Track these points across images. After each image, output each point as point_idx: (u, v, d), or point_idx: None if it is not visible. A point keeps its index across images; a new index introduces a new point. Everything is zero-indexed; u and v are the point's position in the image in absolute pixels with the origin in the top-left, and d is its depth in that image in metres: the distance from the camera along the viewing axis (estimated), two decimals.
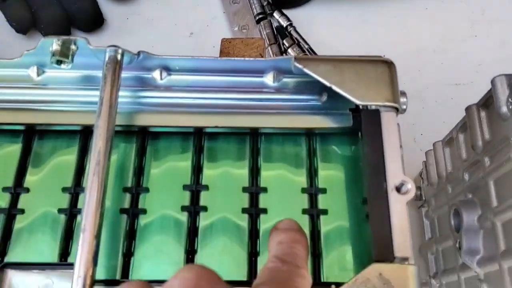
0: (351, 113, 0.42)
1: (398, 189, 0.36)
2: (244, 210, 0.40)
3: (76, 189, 0.41)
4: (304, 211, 0.41)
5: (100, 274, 0.37)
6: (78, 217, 0.40)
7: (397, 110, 0.39)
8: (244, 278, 0.38)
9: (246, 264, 0.39)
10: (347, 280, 0.33)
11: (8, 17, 0.74)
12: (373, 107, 0.39)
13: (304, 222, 0.40)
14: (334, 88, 0.39)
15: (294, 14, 0.77)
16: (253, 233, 0.40)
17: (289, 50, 0.73)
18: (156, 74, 0.43)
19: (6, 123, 0.43)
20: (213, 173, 0.42)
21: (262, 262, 0.39)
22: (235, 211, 0.41)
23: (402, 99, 0.40)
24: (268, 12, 0.76)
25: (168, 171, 0.43)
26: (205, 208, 0.41)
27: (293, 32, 0.75)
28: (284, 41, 0.74)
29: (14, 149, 0.43)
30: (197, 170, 0.42)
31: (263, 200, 0.41)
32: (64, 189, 0.41)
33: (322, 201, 0.41)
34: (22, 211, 0.41)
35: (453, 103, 0.70)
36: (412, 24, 0.78)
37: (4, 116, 0.43)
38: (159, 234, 0.40)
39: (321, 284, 0.38)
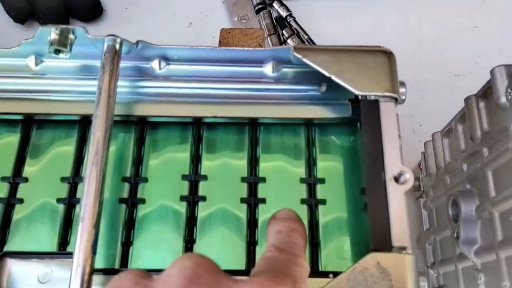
0: (350, 103, 0.42)
1: (396, 179, 0.36)
2: (242, 200, 0.41)
3: (75, 179, 0.42)
4: (303, 201, 0.41)
5: (99, 263, 0.37)
6: (77, 207, 0.40)
7: (396, 100, 0.39)
8: (243, 267, 0.38)
9: (244, 253, 0.39)
10: (345, 269, 0.33)
11: (6, 7, 0.73)
12: (372, 97, 0.39)
13: (303, 212, 0.40)
14: (333, 78, 0.39)
15: (294, 4, 0.77)
16: (252, 222, 0.40)
17: (289, 41, 0.73)
18: (154, 64, 0.43)
19: (4, 112, 0.43)
20: (212, 164, 0.42)
21: (260, 251, 0.39)
22: (233, 201, 0.41)
23: (401, 90, 0.40)
24: (268, 2, 0.76)
25: (167, 161, 0.43)
26: (203, 198, 0.41)
27: (292, 23, 0.75)
28: (284, 31, 0.74)
29: (13, 139, 0.43)
30: (196, 160, 0.42)
31: (262, 190, 0.41)
32: (63, 179, 0.42)
33: (321, 191, 0.41)
34: (21, 201, 0.41)
35: (452, 94, 0.70)
36: (411, 15, 0.78)
37: (2, 105, 0.43)
38: (158, 223, 0.40)
39: (319, 273, 0.38)
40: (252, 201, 0.41)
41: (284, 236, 0.31)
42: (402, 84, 0.40)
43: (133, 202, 0.41)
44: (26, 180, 0.42)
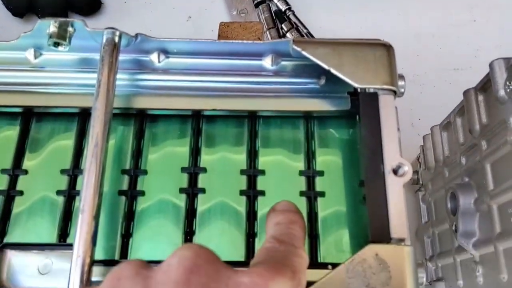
0: (349, 96, 0.42)
1: (395, 172, 0.36)
2: (242, 192, 0.41)
3: (74, 171, 0.42)
4: (302, 193, 0.41)
5: (99, 255, 0.37)
6: (77, 199, 0.41)
7: (395, 93, 0.39)
8: (242, 259, 0.38)
9: (243, 245, 0.39)
10: (343, 260, 0.33)
11: (4, 0, 0.73)
12: (371, 90, 0.39)
13: (302, 204, 0.40)
14: (333, 71, 0.39)
15: None
16: (251, 214, 0.40)
17: (288, 35, 0.73)
18: (154, 57, 0.43)
19: (4, 105, 0.43)
20: (211, 158, 0.43)
21: (259, 243, 0.39)
22: (233, 194, 0.41)
23: (400, 82, 0.40)
24: None
25: (166, 154, 0.43)
26: (203, 190, 0.41)
27: (291, 17, 0.74)
28: (283, 25, 0.74)
29: (12, 131, 0.43)
30: (195, 152, 0.43)
31: (261, 183, 0.41)
32: (63, 171, 0.42)
33: (320, 184, 0.41)
34: (21, 193, 0.41)
35: (452, 88, 0.70)
36: (411, 9, 0.78)
37: (2, 98, 0.43)
38: (158, 216, 0.40)
39: (318, 264, 0.38)
40: (252, 194, 0.41)
41: (283, 228, 0.31)
42: (401, 77, 0.40)
43: (132, 194, 0.41)
44: (26, 172, 0.42)
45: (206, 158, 0.43)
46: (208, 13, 0.78)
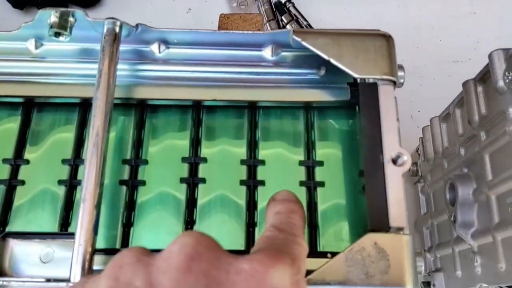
0: (348, 87, 0.43)
1: (394, 161, 0.36)
2: (242, 182, 0.41)
3: (75, 161, 0.42)
4: (302, 183, 0.41)
5: (100, 244, 0.38)
6: (78, 189, 0.41)
7: (394, 83, 0.39)
8: (242, 248, 0.39)
9: (243, 235, 0.39)
10: (343, 249, 0.33)
11: None
12: (371, 81, 0.39)
13: (301, 194, 0.40)
14: (332, 61, 0.39)
15: None
16: (251, 204, 0.40)
17: (288, 27, 0.73)
18: (154, 47, 0.43)
19: (5, 95, 0.43)
20: (211, 149, 0.43)
21: (259, 233, 0.39)
22: (233, 184, 0.41)
23: (400, 73, 0.40)
24: None
25: (167, 144, 0.43)
26: (203, 180, 0.41)
27: (291, 9, 0.74)
28: (283, 17, 0.74)
29: (14, 122, 0.44)
30: (195, 143, 0.43)
31: (261, 173, 0.42)
32: (64, 161, 0.42)
33: (319, 174, 0.41)
34: (22, 183, 0.41)
35: (451, 80, 0.70)
36: (411, 1, 0.78)
37: (3, 88, 0.43)
38: (158, 205, 0.40)
39: (318, 253, 0.38)
40: (252, 184, 0.41)
41: (283, 217, 0.31)
42: (401, 67, 0.40)
43: (133, 184, 0.41)
44: (27, 162, 0.42)
45: (207, 149, 0.43)
46: (208, 5, 0.78)
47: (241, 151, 0.43)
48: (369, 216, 0.35)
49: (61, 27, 0.40)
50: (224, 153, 0.43)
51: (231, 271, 0.25)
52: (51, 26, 0.40)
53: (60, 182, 0.41)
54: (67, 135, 0.43)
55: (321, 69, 0.44)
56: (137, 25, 0.41)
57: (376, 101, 0.38)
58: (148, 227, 0.40)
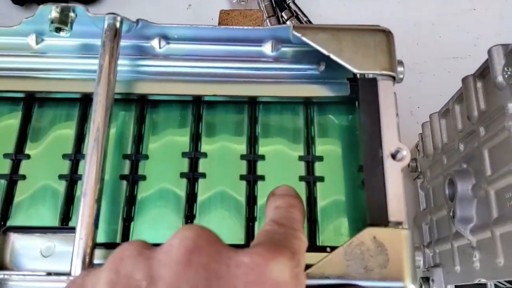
0: (348, 82, 0.43)
1: (393, 156, 0.36)
2: (242, 177, 0.41)
3: (76, 156, 0.42)
4: (301, 178, 0.41)
5: (101, 238, 0.38)
6: (79, 183, 0.41)
7: (394, 78, 0.40)
8: (242, 242, 0.39)
9: (243, 230, 0.39)
10: (342, 244, 0.33)
11: None
12: (370, 76, 0.39)
13: (301, 189, 0.41)
14: (332, 56, 0.39)
15: None
16: (251, 199, 0.41)
17: (288, 23, 0.73)
18: (154, 42, 0.44)
19: (6, 90, 0.43)
20: (211, 145, 0.43)
21: (259, 227, 0.39)
22: (233, 179, 0.41)
23: (399, 68, 0.40)
24: None
25: (167, 139, 0.43)
26: (203, 175, 0.41)
27: (291, 5, 0.74)
28: (283, 13, 0.74)
29: (15, 117, 0.44)
30: (195, 138, 0.43)
31: (261, 168, 0.42)
32: (65, 156, 0.42)
33: (319, 169, 0.42)
34: (23, 177, 0.41)
35: (451, 76, 0.70)
36: None
37: (4, 83, 0.43)
38: (159, 200, 0.41)
39: (317, 247, 0.38)
40: (251, 178, 0.41)
41: (282, 212, 0.32)
42: (400, 63, 0.41)
43: (134, 179, 0.41)
44: (28, 157, 0.42)
45: (207, 144, 0.43)
46: (208, 1, 0.78)
47: (241, 146, 0.43)
48: (368, 211, 0.35)
49: (62, 23, 0.40)
50: (224, 148, 0.43)
51: (231, 264, 0.26)
52: (52, 22, 0.40)
53: (61, 177, 0.41)
54: (68, 130, 0.43)
55: (321, 65, 0.44)
56: (137, 21, 0.42)
57: (375, 96, 0.38)
58: (148, 222, 0.40)
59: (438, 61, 0.73)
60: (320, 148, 0.43)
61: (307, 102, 0.44)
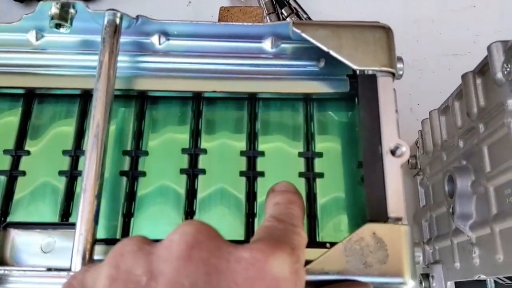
0: (348, 78, 0.43)
1: (393, 152, 0.36)
2: (242, 173, 0.41)
3: (76, 152, 0.42)
4: (301, 175, 0.41)
5: (101, 234, 0.38)
6: (79, 179, 0.41)
7: (393, 75, 0.40)
8: (242, 238, 0.39)
9: (243, 226, 0.40)
10: (342, 239, 0.34)
11: None
12: (370, 72, 0.39)
13: (301, 185, 0.41)
14: (332, 53, 0.39)
15: None
16: (251, 195, 0.41)
17: (288, 20, 0.73)
18: (154, 39, 0.44)
19: (6, 86, 0.43)
20: (211, 142, 0.43)
21: (259, 224, 0.40)
22: (233, 175, 0.41)
23: (399, 65, 0.40)
24: None
25: (167, 136, 0.43)
26: (203, 171, 0.41)
27: (291, 2, 0.74)
28: (283, 10, 0.74)
29: (15, 114, 0.44)
30: (195, 134, 0.43)
31: (261, 164, 0.42)
32: (65, 152, 0.42)
33: (318, 165, 0.42)
34: (23, 173, 0.41)
35: (451, 73, 0.70)
36: None
37: (4, 80, 0.43)
38: (159, 196, 0.41)
39: (317, 243, 0.38)
40: (251, 175, 0.41)
41: (282, 208, 0.32)
42: (400, 59, 0.41)
43: (133, 175, 0.41)
44: (28, 153, 0.42)
45: (206, 141, 0.43)
46: None
47: (241, 142, 0.43)
48: (368, 207, 0.35)
49: (62, 19, 0.40)
50: (224, 144, 0.43)
51: (231, 260, 0.26)
52: (52, 18, 0.40)
53: (61, 173, 0.41)
54: (68, 126, 0.43)
55: (320, 61, 0.44)
56: (137, 17, 0.42)
57: (375, 92, 0.38)
58: (148, 218, 0.40)
59: (438, 58, 0.73)
60: (320, 144, 0.43)
61: (307, 99, 0.44)
